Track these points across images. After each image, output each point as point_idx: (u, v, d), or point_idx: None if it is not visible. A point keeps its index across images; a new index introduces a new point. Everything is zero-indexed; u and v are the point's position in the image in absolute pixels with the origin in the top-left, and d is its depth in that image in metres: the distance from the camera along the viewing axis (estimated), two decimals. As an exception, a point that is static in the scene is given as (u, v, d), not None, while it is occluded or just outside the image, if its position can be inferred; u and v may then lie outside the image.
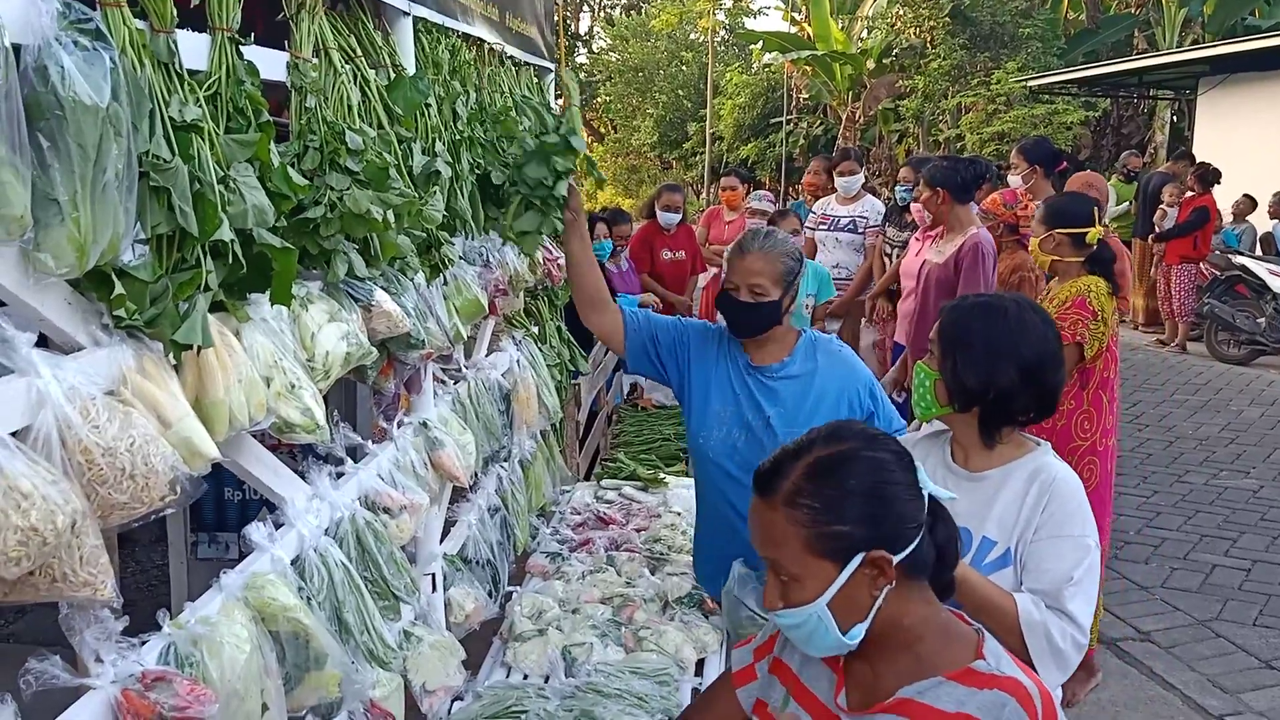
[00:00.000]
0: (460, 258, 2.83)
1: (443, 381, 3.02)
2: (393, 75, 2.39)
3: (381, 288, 2.19)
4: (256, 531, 1.83)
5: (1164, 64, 14.72)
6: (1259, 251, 11.59)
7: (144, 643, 1.47)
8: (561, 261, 3.89)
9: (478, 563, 3.19)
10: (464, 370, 3.18)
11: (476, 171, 2.93)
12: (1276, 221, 12.04)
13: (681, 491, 4.36)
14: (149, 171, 1.41)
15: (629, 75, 33.97)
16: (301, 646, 1.74)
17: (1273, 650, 4.62)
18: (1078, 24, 22.10)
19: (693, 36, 34.59)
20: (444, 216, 2.55)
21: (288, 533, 1.92)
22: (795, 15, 26.41)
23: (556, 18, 4.65)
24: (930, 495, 1.37)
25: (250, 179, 1.60)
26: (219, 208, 1.49)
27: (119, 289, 1.35)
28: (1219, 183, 11.03)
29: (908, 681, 1.35)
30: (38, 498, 1.10)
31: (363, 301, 2.06)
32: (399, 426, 2.59)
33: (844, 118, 23.39)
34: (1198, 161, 11.56)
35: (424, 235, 2.39)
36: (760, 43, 25.89)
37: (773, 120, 27.37)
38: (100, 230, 1.29)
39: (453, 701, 2.89)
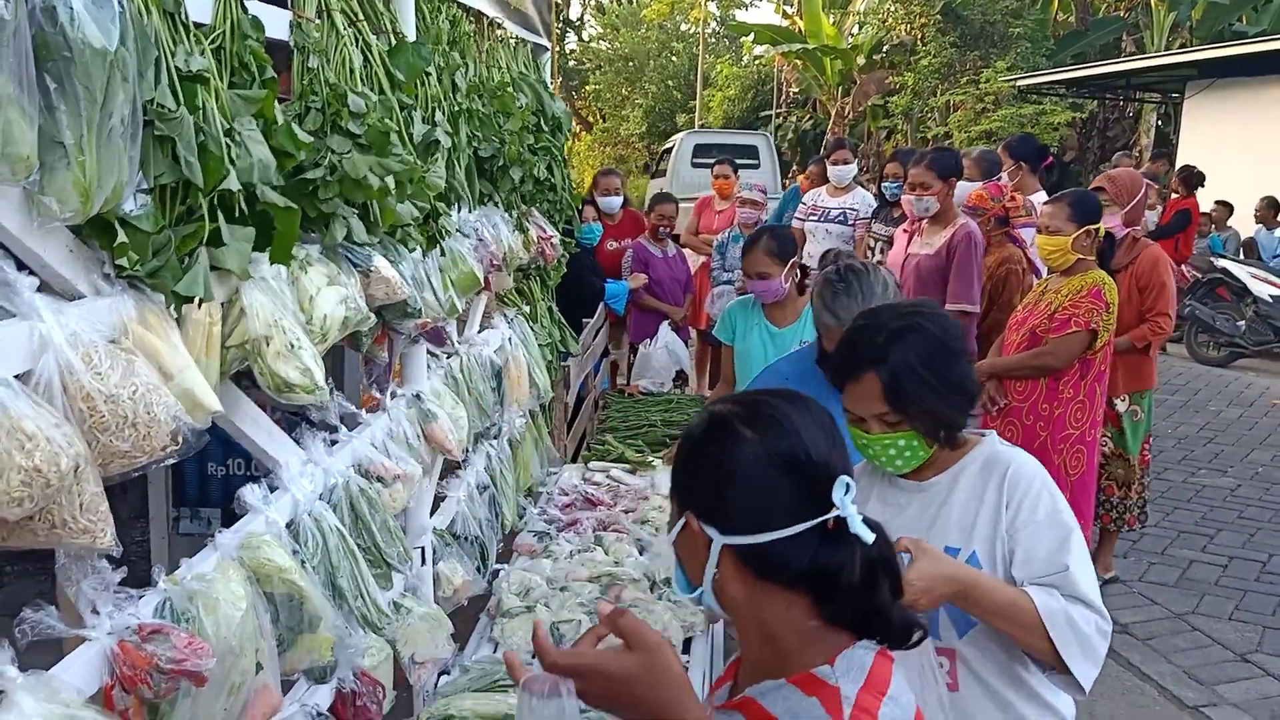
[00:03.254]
0: (456, 230, 2.82)
1: (435, 356, 3.01)
2: (394, 42, 2.37)
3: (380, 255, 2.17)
4: (251, 494, 1.82)
5: (1151, 67, 14.82)
6: (1242, 256, 11.70)
7: (140, 597, 1.45)
8: (555, 240, 3.88)
9: (466, 539, 3.18)
10: (456, 345, 3.17)
11: (474, 145, 2.92)
12: (1260, 226, 12.18)
13: (668, 476, 4.36)
14: (154, 120, 1.39)
15: (619, 64, 33.92)
16: (295, 608, 1.73)
17: (1248, 644, 4.68)
18: (1067, 25, 22.20)
19: (684, 28, 34.56)
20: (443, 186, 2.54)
21: (282, 496, 1.91)
22: (787, 9, 26.41)
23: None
24: (841, 518, 1.21)
25: (255, 133, 1.59)
26: (224, 160, 1.48)
27: (122, 237, 1.33)
28: (1202, 185, 11.12)
29: (761, 679, 1.26)
30: (42, 439, 1.09)
31: (361, 267, 2.05)
32: (392, 398, 2.58)
33: (833, 112, 23.44)
34: (1181, 164, 11.65)
35: (426, 205, 2.37)
36: (751, 35, 25.88)
37: (762, 113, 27.39)
38: (105, 176, 1.27)
39: (439, 675, 2.89)
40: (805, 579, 1.21)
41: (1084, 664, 1.86)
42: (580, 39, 37.48)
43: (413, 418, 2.59)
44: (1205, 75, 14.11)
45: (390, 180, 2.09)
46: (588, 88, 34.62)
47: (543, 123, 3.68)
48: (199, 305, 1.48)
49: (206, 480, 3.96)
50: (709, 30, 32.29)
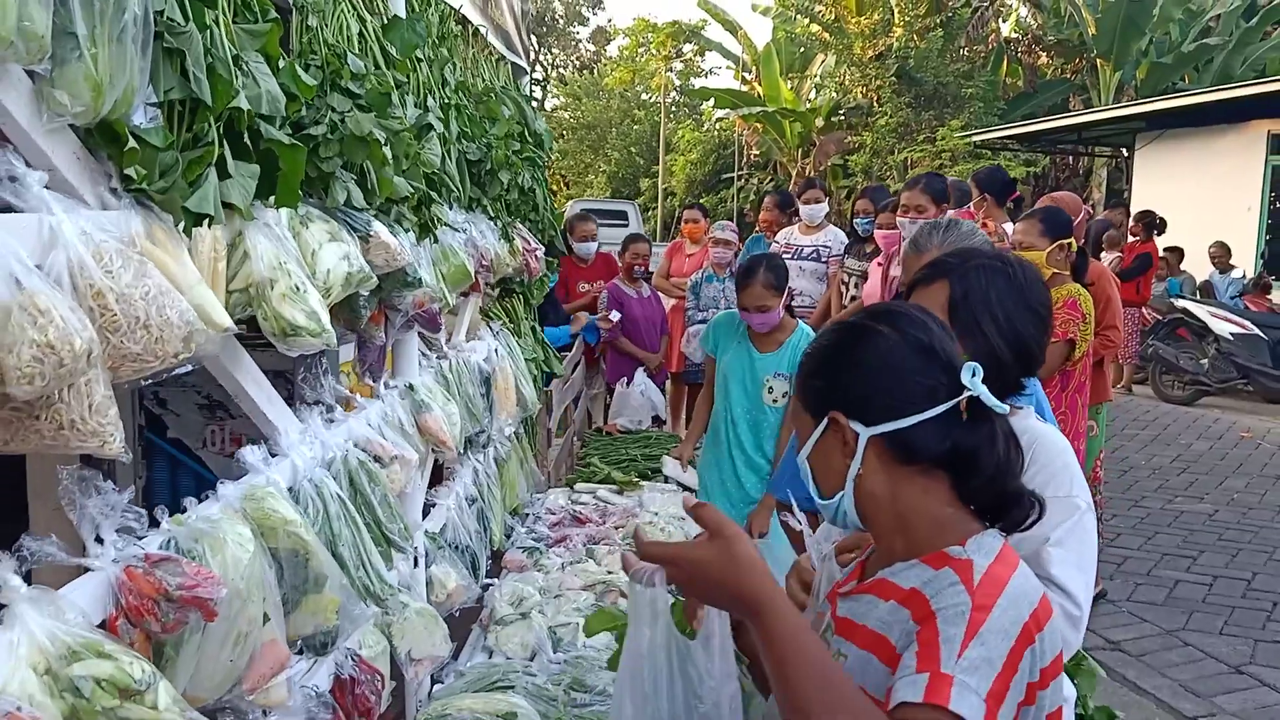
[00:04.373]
0: (447, 224, 2.79)
1: (425, 355, 2.95)
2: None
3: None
4: (251, 453, 1.74)
5: (1102, 120, 15.27)
6: (1198, 298, 11.95)
7: (142, 538, 1.38)
8: (539, 253, 3.86)
9: (457, 548, 3.09)
10: (445, 348, 3.11)
11: (462, 145, 2.91)
12: (1214, 270, 12.47)
13: (657, 495, 4.30)
14: (163, 33, 1.36)
15: (581, 133, 34.40)
16: (300, 565, 1.65)
17: (1241, 656, 4.64)
18: (1015, 88, 22.91)
19: (645, 97, 35.21)
20: (434, 173, 2.52)
21: (281, 462, 1.83)
22: (746, 75, 27.03)
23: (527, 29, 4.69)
24: (973, 398, 1.28)
25: (263, 67, 1.56)
26: (232, 83, 1.44)
27: (131, 144, 1.29)
28: (1161, 232, 11.39)
29: (894, 564, 1.32)
30: (55, 316, 1.03)
31: (360, 232, 2.01)
32: (385, 387, 2.51)
33: (794, 173, 23.84)
34: (1140, 210, 11.93)
35: (421, 183, 2.34)
36: (712, 100, 26.40)
37: (724, 176, 27.82)
38: (116, 74, 1.23)
39: (433, 685, 2.77)
40: (946, 461, 1.28)
41: None
42: (543, 108, 38.06)
43: (406, 408, 2.53)
44: (1154, 127, 14.56)
45: (388, 150, 2.07)
46: (552, 155, 35.06)
47: (526, 135, 3.69)
48: (208, 226, 1.43)
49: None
50: (669, 99, 32.90)
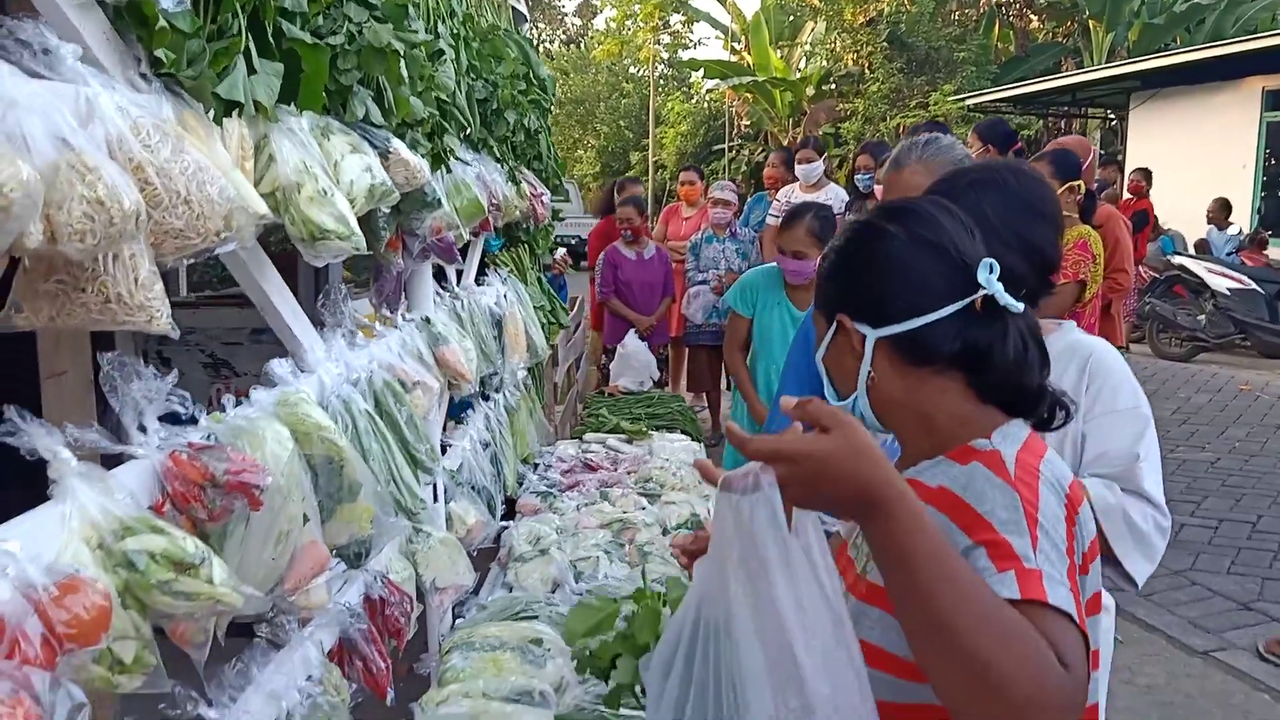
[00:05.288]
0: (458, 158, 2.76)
1: (439, 295, 2.93)
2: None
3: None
4: (280, 366, 1.72)
5: (1096, 80, 15.23)
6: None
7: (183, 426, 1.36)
8: (546, 198, 3.83)
9: (473, 487, 3.08)
10: (457, 289, 3.09)
11: (470, 76, 2.88)
12: (1211, 227, 12.47)
13: (666, 444, 4.29)
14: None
15: (569, 107, 34.17)
16: (335, 473, 1.63)
17: (1249, 594, 4.68)
18: (1007, 53, 22.82)
19: (632, 70, 34.98)
20: (446, 102, 2.49)
21: (309, 377, 1.82)
22: (735, 45, 26.85)
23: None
24: (989, 297, 1.25)
25: (286, -41, 1.53)
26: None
27: (161, 23, 1.26)
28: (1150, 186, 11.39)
29: (919, 462, 1.29)
30: (104, 173, 1.01)
31: (379, 148, 1.98)
32: (403, 319, 2.49)
33: (785, 144, 23.75)
34: (1136, 167, 11.93)
35: (434, 110, 2.31)
36: (701, 71, 26.23)
37: (715, 148, 27.67)
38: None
39: (455, 619, 2.77)
40: (959, 360, 1.25)
41: (1139, 560, 1.81)
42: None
43: (424, 340, 2.51)
44: (1148, 86, 14.52)
45: (404, 71, 2.04)
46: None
47: (531, 78, 3.65)
48: (238, 116, 1.40)
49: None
50: (658, 72, 32.69)
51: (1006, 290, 1.24)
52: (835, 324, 1.31)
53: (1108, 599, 1.98)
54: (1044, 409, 1.28)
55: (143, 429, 1.26)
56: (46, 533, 1.05)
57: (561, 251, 6.82)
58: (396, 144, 2.03)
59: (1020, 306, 1.25)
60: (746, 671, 0.94)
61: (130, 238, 1.04)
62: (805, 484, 1.00)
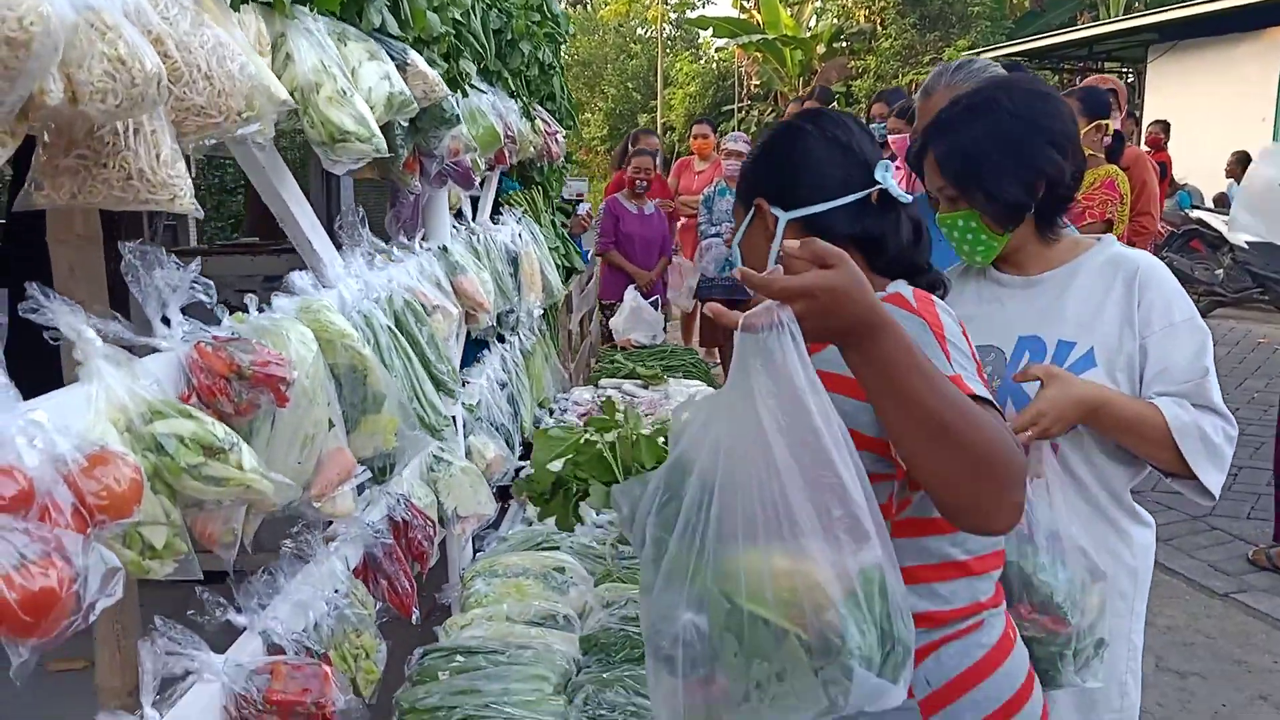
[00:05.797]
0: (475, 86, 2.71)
1: (455, 229, 2.89)
2: None
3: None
4: (301, 278, 1.69)
5: (1113, 32, 14.99)
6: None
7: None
8: (560, 136, 3.78)
9: (491, 423, 3.06)
10: (472, 224, 3.05)
11: (486, 1, 2.82)
12: (1231, 181, 12.30)
13: (682, 389, 4.27)
14: None
15: (576, 70, 33.86)
16: (359, 383, 1.60)
17: (1269, 539, 4.64)
18: (1022, 7, 22.49)
19: (640, 31, 34.63)
20: (461, 23, 2.44)
21: (329, 291, 1.79)
22: (744, 2, 26.52)
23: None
24: (884, 191, 1.44)
25: None
26: None
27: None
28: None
29: None
30: (124, 32, 0.97)
31: (397, 60, 1.93)
32: (420, 247, 2.46)
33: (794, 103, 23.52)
34: (1154, 119, 11.77)
35: (450, 29, 2.26)
36: (710, 29, 25.94)
37: (724, 108, 27.43)
38: None
39: (475, 554, 2.76)
40: (858, 242, 1.42)
41: (1214, 473, 1.77)
42: (538, 45, 37.44)
43: (442, 269, 2.47)
44: (1166, 39, 14.29)
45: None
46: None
47: (545, 10, 3.58)
48: (254, 6, 1.36)
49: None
50: (666, 33, 32.34)
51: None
52: (753, 208, 1.48)
53: (1146, 515, 1.96)
54: (926, 282, 1.47)
55: (166, 321, 1.23)
56: (73, 410, 1.02)
57: (585, 207, 6.72)
58: (414, 56, 1.98)
59: (909, 198, 1.46)
60: (791, 492, 1.00)
61: (152, 104, 1.00)
62: (822, 314, 1.08)
